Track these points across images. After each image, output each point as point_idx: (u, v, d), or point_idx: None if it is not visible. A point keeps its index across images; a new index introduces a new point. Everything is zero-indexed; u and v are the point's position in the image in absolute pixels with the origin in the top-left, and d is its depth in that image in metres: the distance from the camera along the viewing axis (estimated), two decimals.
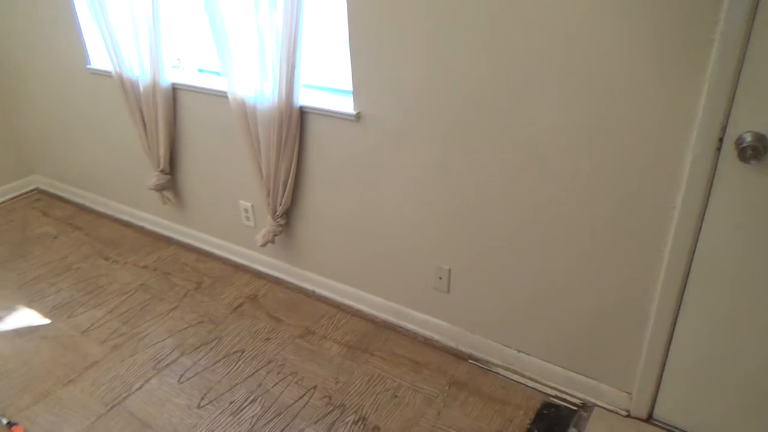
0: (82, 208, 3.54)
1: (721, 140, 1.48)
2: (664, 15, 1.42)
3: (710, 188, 1.54)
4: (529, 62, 1.66)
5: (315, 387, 2.15)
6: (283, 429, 1.99)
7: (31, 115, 3.47)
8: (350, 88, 2.08)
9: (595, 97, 1.60)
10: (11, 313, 2.63)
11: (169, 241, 3.14)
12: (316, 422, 2.00)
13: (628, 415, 1.94)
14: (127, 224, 3.32)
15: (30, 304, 2.69)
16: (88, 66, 2.91)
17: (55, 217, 3.45)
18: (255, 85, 2.22)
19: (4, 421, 2.04)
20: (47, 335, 2.49)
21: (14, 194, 3.70)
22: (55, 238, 3.23)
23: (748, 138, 1.43)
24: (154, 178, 2.83)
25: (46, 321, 2.57)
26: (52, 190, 3.73)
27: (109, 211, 3.42)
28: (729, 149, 1.48)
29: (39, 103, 3.36)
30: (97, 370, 2.28)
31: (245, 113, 2.31)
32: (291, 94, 2.15)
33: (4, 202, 3.64)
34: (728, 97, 1.43)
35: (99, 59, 2.90)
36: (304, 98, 2.21)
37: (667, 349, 1.80)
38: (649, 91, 1.52)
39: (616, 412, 1.96)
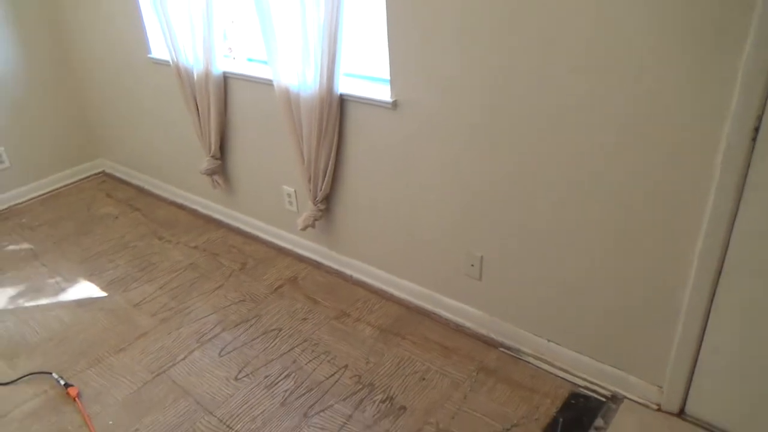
0: (141, 191, 3.75)
1: (756, 129, 1.44)
2: None
3: (744, 179, 1.50)
4: (562, 53, 1.65)
5: (346, 366, 2.22)
6: (314, 404, 2.07)
7: (99, 103, 3.71)
8: (387, 76, 2.12)
9: (628, 87, 1.58)
10: (73, 285, 2.84)
11: (218, 224, 3.28)
12: (344, 399, 2.07)
13: (659, 409, 1.91)
14: (181, 207, 3.50)
15: (90, 277, 2.89)
16: (149, 55, 3.08)
17: (117, 199, 3.67)
18: (298, 73, 2.30)
19: (62, 382, 2.21)
20: (104, 307, 2.67)
21: (83, 176, 3.96)
22: (116, 218, 3.44)
23: None
24: (205, 162, 2.97)
25: (104, 294, 2.76)
26: (116, 173, 3.96)
27: (165, 194, 3.61)
28: (765, 139, 1.44)
29: (106, 92, 3.58)
30: (146, 340, 2.44)
31: (289, 100, 2.40)
32: (331, 82, 2.22)
33: (73, 183, 3.90)
34: (765, 85, 1.38)
35: (158, 49, 3.06)
36: (344, 86, 2.28)
37: (700, 343, 1.76)
38: (683, 78, 1.49)
39: (647, 406, 1.93)
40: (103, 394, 2.18)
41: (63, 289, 2.81)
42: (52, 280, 2.88)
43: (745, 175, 1.49)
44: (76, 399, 2.15)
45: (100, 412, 2.10)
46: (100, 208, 3.56)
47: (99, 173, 4.02)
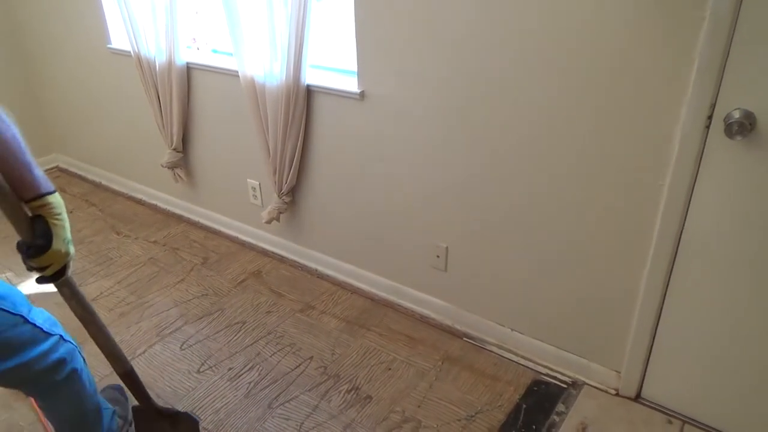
0: (98, 186, 3.65)
1: (710, 118, 1.51)
2: None
3: (698, 166, 1.57)
4: (529, 46, 1.70)
5: (311, 357, 2.20)
6: (278, 395, 2.05)
7: (54, 96, 3.59)
8: (355, 68, 2.13)
9: (589, 78, 1.63)
10: (25, 281, 2.73)
11: (179, 219, 3.22)
12: (310, 390, 2.06)
13: (617, 394, 1.96)
14: (140, 202, 3.42)
15: None
16: (108, 46, 3.00)
17: (72, 194, 3.56)
18: (264, 64, 2.29)
19: None
20: (59, 302, 2.56)
21: None
22: (71, 213, 3.32)
23: (736, 115, 1.45)
24: (166, 155, 2.92)
25: None
26: (71, 169, 3.84)
27: (123, 190, 3.53)
28: (718, 127, 1.51)
29: (62, 84, 3.48)
30: None
31: (255, 91, 2.38)
32: (298, 73, 2.21)
33: None
34: (718, 75, 1.45)
35: (119, 39, 2.99)
36: (311, 77, 2.28)
37: (655, 329, 1.82)
38: (640, 69, 1.55)
39: (606, 391, 1.98)
40: None
41: (14, 285, 2.70)
42: (2, 276, 2.77)
43: (699, 163, 1.56)
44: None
45: None
46: None
47: (53, 168, 3.89)
